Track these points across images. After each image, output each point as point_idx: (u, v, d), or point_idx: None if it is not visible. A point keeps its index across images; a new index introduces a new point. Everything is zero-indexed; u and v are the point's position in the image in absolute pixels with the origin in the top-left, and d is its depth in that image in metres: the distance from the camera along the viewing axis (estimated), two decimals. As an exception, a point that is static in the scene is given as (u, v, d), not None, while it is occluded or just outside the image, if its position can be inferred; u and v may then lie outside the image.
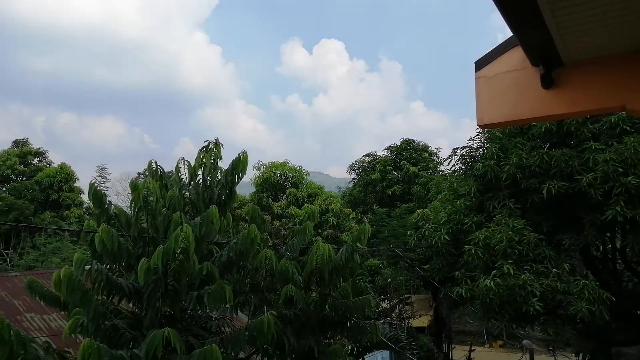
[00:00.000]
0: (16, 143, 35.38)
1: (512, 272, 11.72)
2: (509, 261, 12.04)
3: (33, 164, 34.92)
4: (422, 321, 22.76)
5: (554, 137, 13.75)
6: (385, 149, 33.65)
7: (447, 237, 14.68)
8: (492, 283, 11.82)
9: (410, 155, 31.99)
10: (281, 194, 28.01)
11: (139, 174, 60.87)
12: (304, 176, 28.38)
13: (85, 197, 35.52)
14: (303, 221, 22.09)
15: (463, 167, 15.78)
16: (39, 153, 35.59)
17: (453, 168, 16.51)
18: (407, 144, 32.82)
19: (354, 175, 34.80)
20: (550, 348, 16.21)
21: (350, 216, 27.22)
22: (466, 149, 15.68)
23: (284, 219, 24.54)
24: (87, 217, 32.76)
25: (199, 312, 8.06)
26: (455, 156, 16.06)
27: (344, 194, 35.27)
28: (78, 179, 35.15)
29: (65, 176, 33.62)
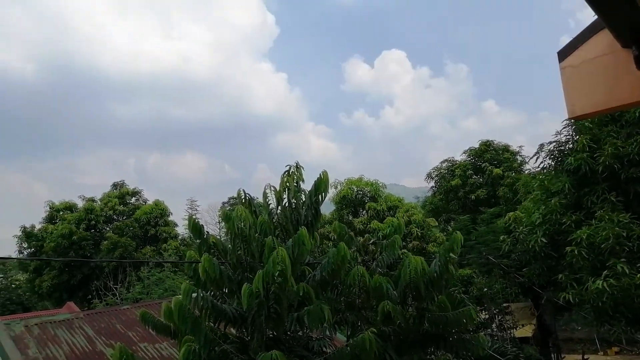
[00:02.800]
0: (115, 185, 38.72)
1: (627, 271, 10.76)
2: (622, 260, 11.08)
3: (131, 203, 37.94)
4: (525, 330, 21.45)
5: (653, 120, 12.62)
6: (463, 153, 32.60)
7: (544, 240, 13.84)
8: (604, 284, 10.93)
9: (492, 157, 30.69)
10: (361, 210, 27.99)
11: (224, 203, 63.84)
12: (381, 189, 28.20)
13: (179, 230, 37.94)
14: (387, 235, 21.87)
15: (552, 163, 14.90)
16: (135, 192, 38.63)
17: (541, 165, 15.64)
18: (487, 145, 31.55)
19: (432, 184, 34.00)
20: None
21: (434, 226, 26.55)
22: (554, 144, 14.81)
23: (367, 234, 24.45)
24: (183, 248, 34.85)
25: (299, 333, 8.24)
26: (542, 152, 15.22)
27: (424, 204, 34.51)
28: (171, 213, 37.62)
29: (160, 211, 36.12)
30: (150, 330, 9.17)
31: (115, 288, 28.46)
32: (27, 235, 35.24)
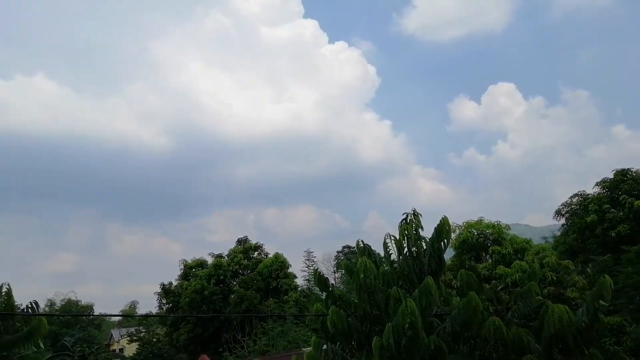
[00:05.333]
0: (239, 241, 41.29)
1: None
2: None
3: (254, 257, 40.00)
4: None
5: None
6: (596, 185, 29.48)
7: None
8: None
9: (630, 187, 27.32)
10: (483, 254, 26.39)
11: (337, 252, 64.54)
12: (505, 231, 26.39)
13: (298, 281, 38.92)
14: (518, 281, 20.21)
15: None
16: (257, 247, 40.75)
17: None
18: (623, 174, 28.20)
19: (562, 221, 31.00)
20: None
21: (571, 269, 23.96)
22: None
23: (493, 281, 22.87)
24: (303, 299, 35.58)
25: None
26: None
27: (556, 244, 31.44)
28: (290, 265, 38.86)
29: (280, 264, 37.54)
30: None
31: (243, 340, 29.69)
32: (166, 291, 38.66)
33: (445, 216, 8.73)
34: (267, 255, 39.79)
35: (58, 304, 48.02)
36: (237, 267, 38.16)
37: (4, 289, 7.65)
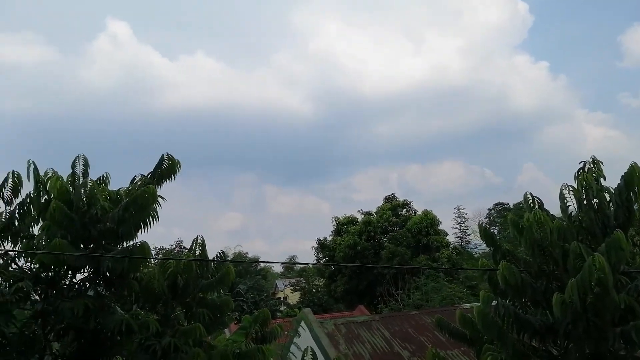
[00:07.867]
0: (387, 199, 41.80)
1: None
2: None
3: (402, 214, 40.22)
4: None
5: None
6: None
7: None
8: None
9: None
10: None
11: (489, 209, 61.37)
12: None
13: (449, 238, 38.19)
14: None
15: None
16: (405, 204, 40.86)
17: None
18: None
19: None
20: None
21: None
22: None
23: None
24: (455, 256, 34.94)
25: (621, 352, 7.08)
26: None
27: None
28: (440, 222, 38.24)
29: (430, 221, 37.18)
30: (444, 336, 9.35)
31: (397, 294, 30.41)
32: (322, 246, 41.21)
33: (635, 162, 7.63)
34: (415, 213, 39.68)
35: (230, 256, 54.46)
36: (386, 224, 38.83)
37: (199, 240, 8.78)
